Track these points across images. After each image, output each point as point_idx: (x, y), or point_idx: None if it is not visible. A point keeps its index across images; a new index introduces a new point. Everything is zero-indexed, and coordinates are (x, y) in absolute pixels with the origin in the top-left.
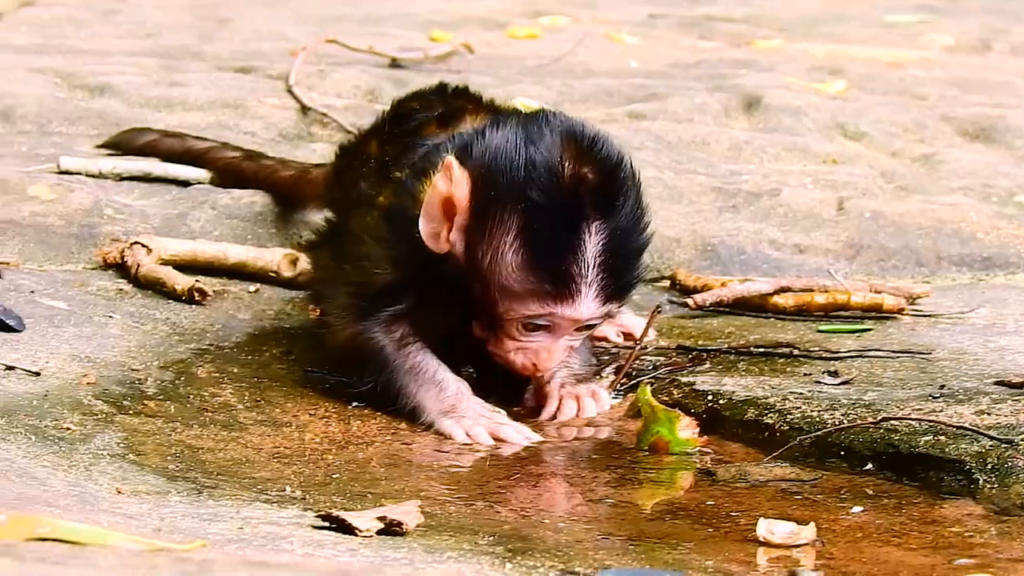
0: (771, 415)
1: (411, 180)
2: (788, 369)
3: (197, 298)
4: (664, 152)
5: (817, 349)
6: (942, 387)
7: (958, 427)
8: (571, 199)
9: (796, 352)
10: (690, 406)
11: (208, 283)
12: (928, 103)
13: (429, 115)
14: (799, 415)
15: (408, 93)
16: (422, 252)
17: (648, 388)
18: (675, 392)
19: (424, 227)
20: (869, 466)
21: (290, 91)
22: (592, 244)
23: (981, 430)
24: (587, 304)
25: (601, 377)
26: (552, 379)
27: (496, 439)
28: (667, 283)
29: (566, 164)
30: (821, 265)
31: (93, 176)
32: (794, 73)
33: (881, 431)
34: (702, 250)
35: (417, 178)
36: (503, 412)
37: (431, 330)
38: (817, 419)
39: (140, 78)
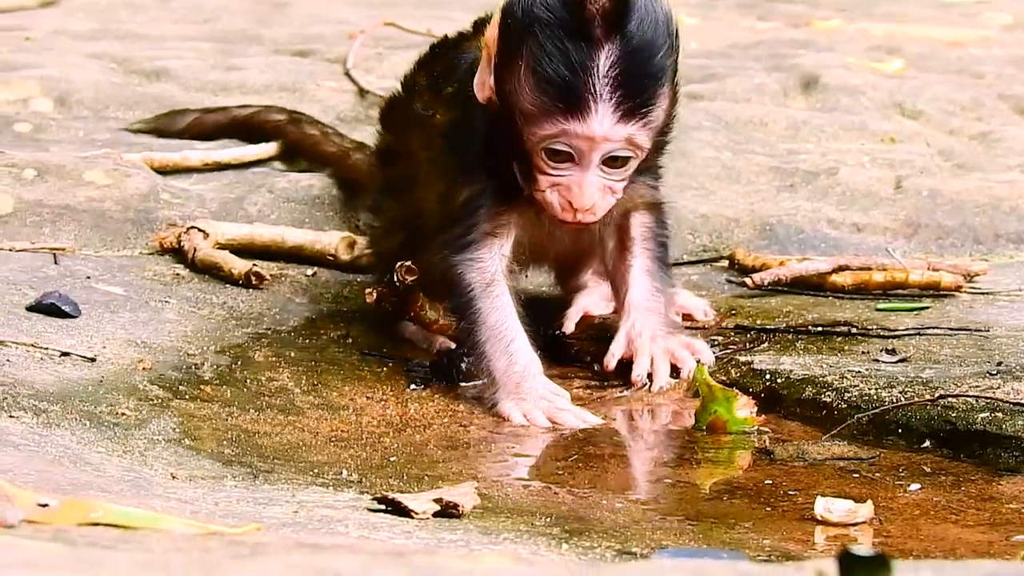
0: (829, 393)
1: (463, 81)
2: (846, 348)
3: (254, 282)
4: (722, 132)
5: (875, 327)
6: (999, 364)
7: (1015, 403)
8: (578, 16)
9: (854, 330)
10: (748, 385)
11: (265, 267)
12: (986, 81)
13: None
14: (857, 393)
15: None
16: (484, 149)
17: (705, 368)
18: (733, 372)
19: (476, 78)
20: (927, 443)
21: (348, 74)
22: (601, 60)
23: None
24: (599, 120)
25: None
26: (642, 331)
27: (553, 423)
28: (726, 263)
29: None
30: (879, 244)
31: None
32: (852, 53)
33: (938, 408)
34: (760, 229)
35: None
36: (566, 395)
37: (517, 246)
38: (875, 397)
39: (197, 62)
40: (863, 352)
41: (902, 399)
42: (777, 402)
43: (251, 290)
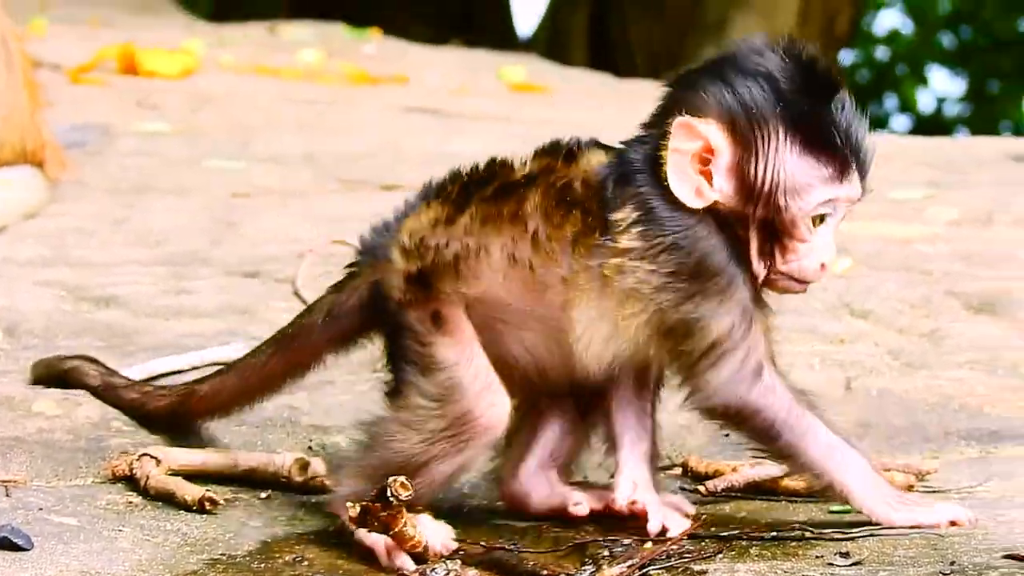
0: None
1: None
2: (800, 552)
3: (208, 507)
4: None
5: (829, 530)
6: (952, 563)
7: None
8: (813, 86)
9: (808, 534)
10: None
11: (219, 491)
12: (933, 278)
13: (536, 168)
14: None
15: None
16: (726, 258)
17: None
18: None
19: (683, 190)
20: None
21: (296, 294)
22: (845, 120)
23: None
24: (859, 180)
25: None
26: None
27: None
28: (679, 470)
29: (790, 63)
30: None
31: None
32: None
33: None
34: (713, 436)
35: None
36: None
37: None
38: None
39: (148, 287)
40: (817, 556)
41: None
42: None
43: (205, 515)
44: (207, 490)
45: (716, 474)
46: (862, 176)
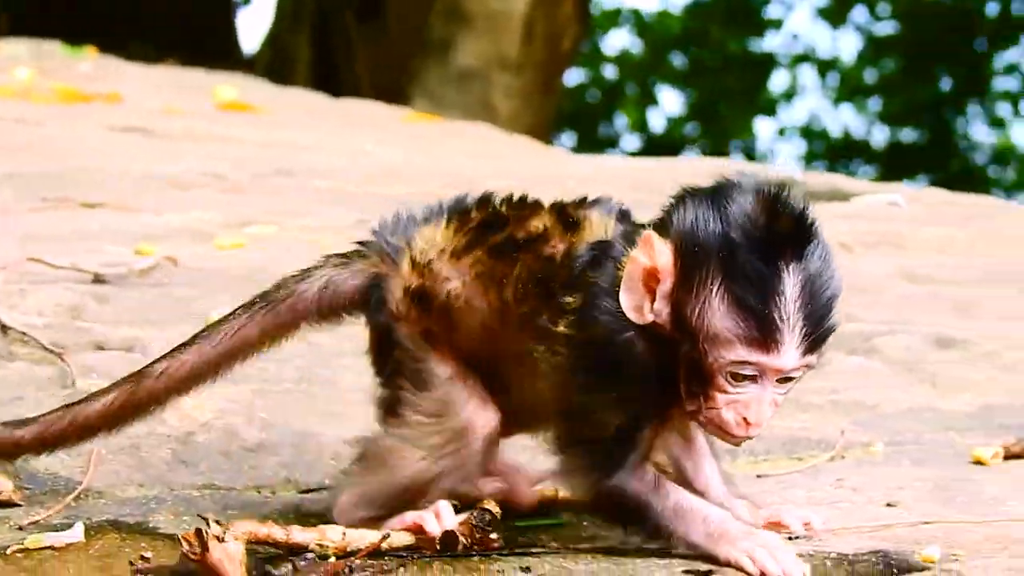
0: None
1: (598, 300)
2: (483, 567)
3: None
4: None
5: (512, 544)
6: None
7: None
8: (769, 244)
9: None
10: None
11: None
12: None
13: (533, 220)
14: None
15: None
16: (639, 372)
17: None
18: None
19: (627, 301)
20: None
21: None
22: (793, 288)
23: None
24: (790, 353)
25: None
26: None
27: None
28: None
29: (760, 213)
30: None
31: None
32: None
33: None
34: None
35: (602, 295)
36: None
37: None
38: None
39: None
40: (498, 571)
41: None
42: None
43: None
44: None
45: None
46: (806, 348)
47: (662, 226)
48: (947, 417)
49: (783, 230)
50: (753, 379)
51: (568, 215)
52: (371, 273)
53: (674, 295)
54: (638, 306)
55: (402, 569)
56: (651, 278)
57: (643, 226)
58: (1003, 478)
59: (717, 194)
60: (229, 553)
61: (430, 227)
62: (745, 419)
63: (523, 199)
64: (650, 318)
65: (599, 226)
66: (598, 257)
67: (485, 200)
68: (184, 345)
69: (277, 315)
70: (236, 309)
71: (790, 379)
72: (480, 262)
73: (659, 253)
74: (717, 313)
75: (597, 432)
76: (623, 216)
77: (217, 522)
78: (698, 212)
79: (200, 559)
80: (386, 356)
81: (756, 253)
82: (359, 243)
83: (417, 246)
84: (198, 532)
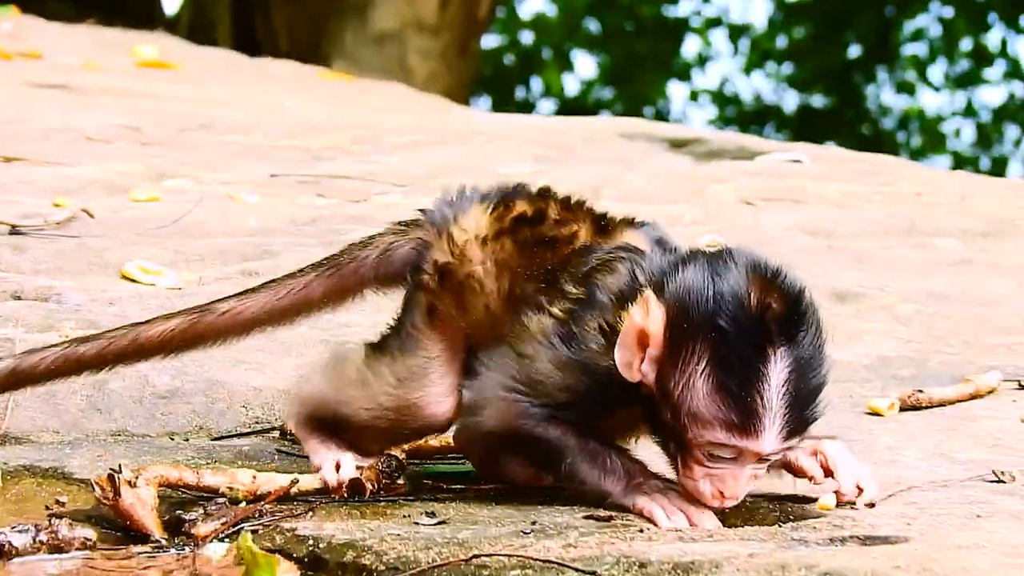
0: (368, 556)
1: (594, 308)
2: (389, 512)
3: None
4: None
5: (420, 491)
6: (534, 523)
7: (544, 560)
8: (758, 329)
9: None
10: (292, 551)
11: None
12: None
13: (571, 224)
14: (395, 555)
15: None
16: (601, 378)
17: (249, 535)
18: (278, 538)
19: (620, 357)
20: None
21: None
22: (777, 375)
23: (566, 563)
24: (771, 439)
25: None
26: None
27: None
28: (277, 433)
29: (752, 296)
30: None
31: None
32: None
33: (472, 567)
34: None
35: (597, 307)
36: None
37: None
38: (412, 559)
39: None
40: (404, 516)
41: (438, 559)
42: (320, 566)
43: None
44: None
45: None
46: (787, 434)
47: (659, 287)
48: (844, 369)
49: (774, 315)
50: (732, 459)
51: (605, 224)
52: (422, 242)
53: (661, 363)
54: (629, 363)
55: (311, 514)
56: (644, 338)
57: (675, 250)
58: (899, 428)
59: (712, 265)
60: (141, 498)
61: (479, 209)
62: (721, 492)
63: (572, 200)
64: (636, 378)
65: (631, 235)
66: (613, 262)
67: (536, 194)
68: (251, 291)
69: (341, 278)
70: (305, 267)
71: (769, 459)
72: (503, 250)
73: (652, 318)
74: (700, 393)
75: (543, 379)
76: (660, 243)
77: (130, 469)
78: (693, 284)
79: (113, 503)
80: (403, 312)
81: (744, 338)
82: (420, 210)
83: (460, 224)
84: (110, 477)
